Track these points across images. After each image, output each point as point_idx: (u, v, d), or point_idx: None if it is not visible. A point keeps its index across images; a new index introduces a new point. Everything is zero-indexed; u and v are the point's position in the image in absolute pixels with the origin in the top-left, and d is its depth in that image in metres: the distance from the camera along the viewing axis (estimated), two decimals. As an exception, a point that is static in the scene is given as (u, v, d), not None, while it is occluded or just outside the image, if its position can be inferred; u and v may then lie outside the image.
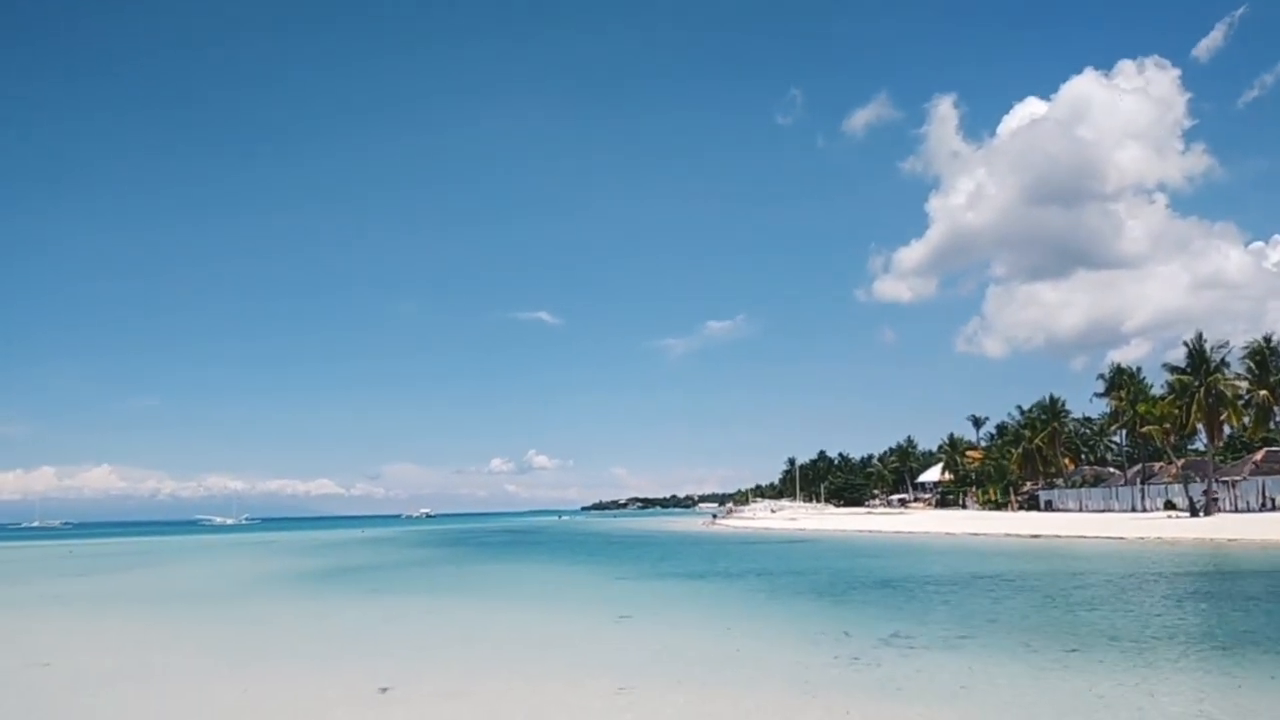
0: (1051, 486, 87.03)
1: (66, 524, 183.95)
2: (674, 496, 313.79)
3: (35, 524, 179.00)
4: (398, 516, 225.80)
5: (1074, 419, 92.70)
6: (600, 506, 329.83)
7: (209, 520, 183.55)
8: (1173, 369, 63.54)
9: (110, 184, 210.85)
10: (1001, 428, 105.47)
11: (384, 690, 11.09)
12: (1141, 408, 71.52)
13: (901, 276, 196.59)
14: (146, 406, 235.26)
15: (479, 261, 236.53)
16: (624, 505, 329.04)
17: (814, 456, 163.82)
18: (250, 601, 25.33)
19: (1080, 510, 75.76)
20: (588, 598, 24.08)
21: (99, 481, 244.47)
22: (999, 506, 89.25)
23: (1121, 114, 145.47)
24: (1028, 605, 18.70)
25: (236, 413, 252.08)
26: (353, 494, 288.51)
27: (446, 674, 12.32)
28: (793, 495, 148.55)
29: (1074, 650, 12.90)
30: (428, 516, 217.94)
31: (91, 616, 21.76)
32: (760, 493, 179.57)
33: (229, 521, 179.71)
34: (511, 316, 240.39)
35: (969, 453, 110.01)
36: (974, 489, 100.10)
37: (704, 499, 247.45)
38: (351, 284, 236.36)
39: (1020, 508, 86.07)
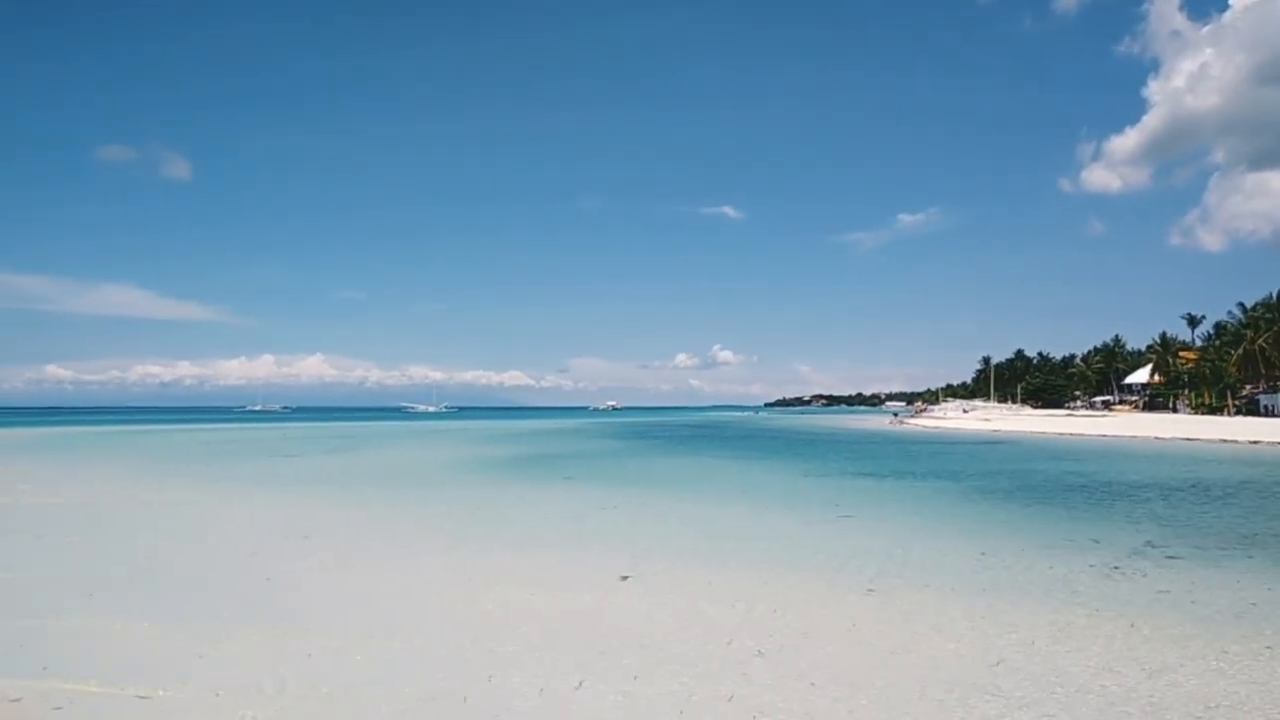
0: (1275, 390, 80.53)
1: (285, 408, 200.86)
2: (859, 394, 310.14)
3: (258, 407, 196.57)
4: (585, 408, 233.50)
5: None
6: (784, 403, 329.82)
7: (413, 408, 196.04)
8: None
9: (315, 94, 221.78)
10: (1220, 327, 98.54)
11: (624, 579, 11.13)
12: (1389, 305, 64.64)
13: (1112, 166, 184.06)
14: (353, 299, 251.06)
15: (662, 156, 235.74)
16: (808, 402, 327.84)
17: (1010, 356, 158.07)
18: (467, 485, 26.47)
19: (1310, 417, 69.86)
20: (798, 493, 23.71)
21: (313, 369, 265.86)
22: (1213, 411, 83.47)
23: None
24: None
25: (434, 307, 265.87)
26: (542, 385, 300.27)
27: (684, 564, 12.18)
28: (986, 395, 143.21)
29: (1366, 570, 11.79)
30: (614, 409, 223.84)
31: (320, 496, 22.93)
32: (952, 392, 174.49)
33: (430, 409, 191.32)
34: (695, 211, 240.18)
35: (1182, 353, 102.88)
36: (1186, 392, 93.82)
37: (890, 397, 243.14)
38: (538, 181, 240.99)
39: (1237, 412, 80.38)
